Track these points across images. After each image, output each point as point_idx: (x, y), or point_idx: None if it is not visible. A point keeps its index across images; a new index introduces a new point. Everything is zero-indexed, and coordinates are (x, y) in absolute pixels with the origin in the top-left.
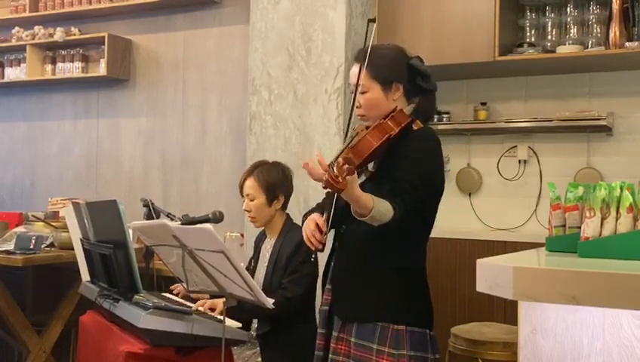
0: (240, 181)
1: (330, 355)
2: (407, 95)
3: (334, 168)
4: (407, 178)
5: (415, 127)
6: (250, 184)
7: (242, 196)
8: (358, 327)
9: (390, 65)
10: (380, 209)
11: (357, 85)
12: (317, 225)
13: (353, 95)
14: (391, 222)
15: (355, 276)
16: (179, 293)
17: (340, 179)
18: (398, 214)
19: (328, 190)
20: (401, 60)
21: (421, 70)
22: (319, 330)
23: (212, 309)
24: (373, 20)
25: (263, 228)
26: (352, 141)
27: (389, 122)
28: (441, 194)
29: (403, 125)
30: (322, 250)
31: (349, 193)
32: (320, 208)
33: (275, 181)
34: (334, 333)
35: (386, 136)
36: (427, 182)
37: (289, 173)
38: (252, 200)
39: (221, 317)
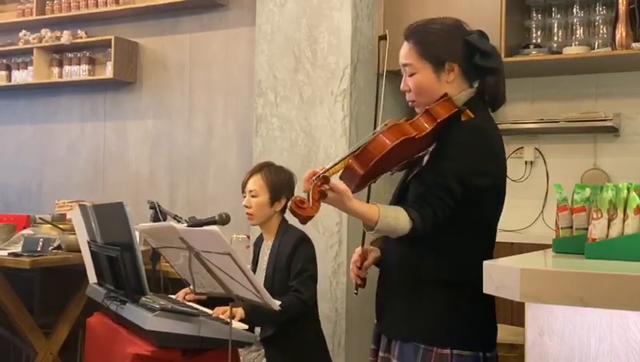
0: (245, 177)
1: None
2: (466, 76)
3: (311, 187)
4: (442, 181)
5: (463, 118)
6: (256, 181)
7: (243, 192)
8: (401, 346)
9: (442, 41)
10: (389, 222)
11: (405, 65)
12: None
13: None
14: (412, 234)
15: (397, 289)
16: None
17: (307, 204)
18: (421, 225)
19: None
20: (456, 36)
21: (479, 47)
22: (371, 346)
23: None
24: (384, 37)
25: (257, 226)
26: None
27: (422, 119)
28: (499, 193)
29: (441, 120)
30: (363, 286)
31: (344, 209)
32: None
33: (282, 183)
34: (380, 353)
35: (405, 136)
36: (468, 184)
37: (293, 179)
38: (254, 197)
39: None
